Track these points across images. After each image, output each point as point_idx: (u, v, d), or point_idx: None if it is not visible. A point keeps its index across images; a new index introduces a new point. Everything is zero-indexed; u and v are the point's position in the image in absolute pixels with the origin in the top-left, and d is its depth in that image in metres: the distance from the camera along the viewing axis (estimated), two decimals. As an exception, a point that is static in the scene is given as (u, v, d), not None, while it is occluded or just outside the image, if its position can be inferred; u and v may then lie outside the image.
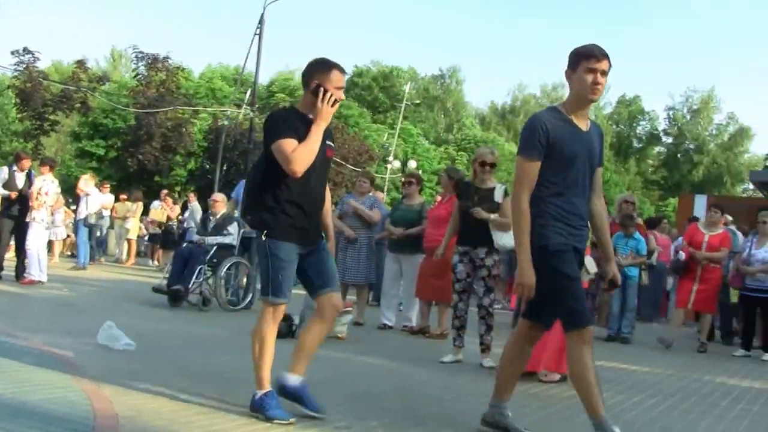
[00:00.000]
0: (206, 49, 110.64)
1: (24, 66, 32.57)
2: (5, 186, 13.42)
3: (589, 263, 5.99)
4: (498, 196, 8.47)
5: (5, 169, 13.78)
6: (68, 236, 22.23)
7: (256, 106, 31.18)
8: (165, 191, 25.32)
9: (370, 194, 12.00)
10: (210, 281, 11.97)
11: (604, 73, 4.79)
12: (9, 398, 4.98)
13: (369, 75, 72.01)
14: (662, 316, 16.42)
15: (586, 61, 4.77)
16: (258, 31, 27.84)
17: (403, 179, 12.97)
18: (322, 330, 5.28)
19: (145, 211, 24.10)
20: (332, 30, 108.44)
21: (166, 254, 20.74)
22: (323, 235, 5.52)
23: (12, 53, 32.43)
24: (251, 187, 5.37)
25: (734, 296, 12.59)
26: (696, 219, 15.20)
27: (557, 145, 4.76)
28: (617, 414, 5.86)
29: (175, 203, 24.17)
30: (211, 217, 12.68)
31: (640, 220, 13.84)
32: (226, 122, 33.53)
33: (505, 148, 64.61)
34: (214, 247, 12.04)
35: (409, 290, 11.24)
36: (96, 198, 19.34)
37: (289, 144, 5.00)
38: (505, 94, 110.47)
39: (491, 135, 68.76)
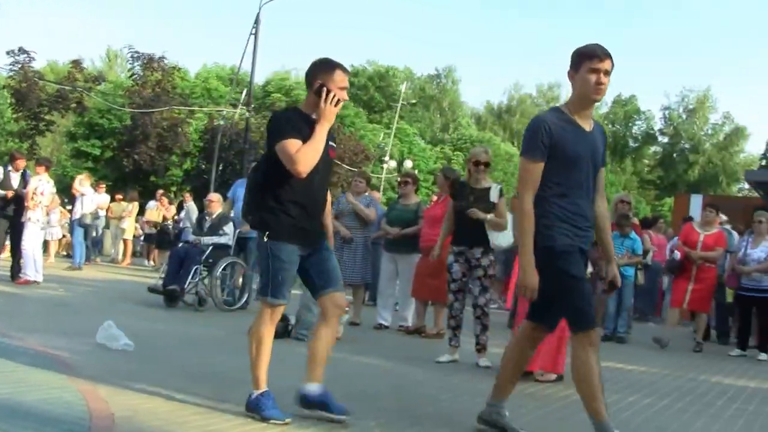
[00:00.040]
0: (202, 48, 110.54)
1: (19, 66, 32.53)
2: (0, 186, 13.39)
3: None
4: (494, 196, 8.47)
5: (0, 169, 13.76)
6: (64, 236, 22.19)
7: (252, 106, 31.20)
8: (161, 191, 25.27)
9: (366, 194, 12.00)
10: (206, 281, 11.95)
11: (607, 73, 4.78)
12: (4, 399, 4.97)
13: (365, 75, 71.92)
14: (657, 315, 16.43)
15: (589, 61, 4.76)
16: (254, 31, 27.81)
17: (399, 179, 12.98)
18: (329, 334, 5.25)
19: (141, 211, 24.08)
20: (328, 30, 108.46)
21: (162, 254, 20.73)
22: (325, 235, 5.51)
23: (7, 53, 32.43)
24: (253, 188, 5.35)
25: (730, 296, 12.62)
26: (690, 219, 15.23)
27: (561, 145, 4.74)
28: (613, 413, 5.84)
29: (170, 203, 24.13)
30: (206, 217, 12.66)
31: (635, 220, 13.87)
32: (221, 122, 33.48)
33: (501, 147, 64.77)
34: (210, 247, 12.03)
35: (405, 290, 11.25)
36: (92, 198, 19.32)
37: (293, 144, 4.98)
38: (501, 94, 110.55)
39: (487, 135, 68.80)
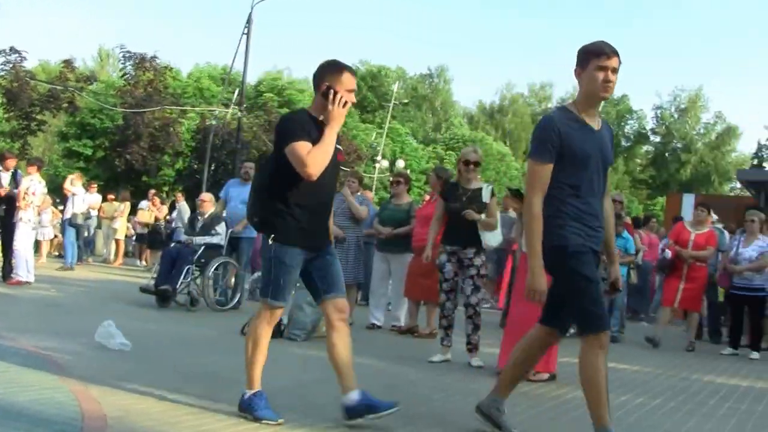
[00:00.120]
0: (194, 48, 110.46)
1: (11, 65, 32.46)
2: (-10, 185, 13.36)
3: None
4: (485, 196, 8.48)
5: (-11, 169, 13.72)
6: (56, 236, 22.15)
7: (244, 105, 31.18)
8: (153, 191, 25.25)
9: (359, 193, 12.01)
10: (198, 281, 11.94)
11: (615, 71, 4.74)
12: (-4, 399, 4.96)
13: (357, 74, 71.41)
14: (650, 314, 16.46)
15: (596, 58, 4.72)
16: (246, 31, 27.85)
17: (391, 179, 12.98)
18: (341, 338, 5.20)
19: (133, 211, 24.04)
20: (320, 29, 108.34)
21: (154, 254, 20.69)
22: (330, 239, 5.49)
23: (-1, 52, 32.36)
24: (259, 190, 5.30)
25: (721, 295, 12.65)
26: (680, 219, 15.25)
27: (570, 146, 4.70)
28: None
29: (162, 203, 24.10)
30: (199, 217, 12.64)
31: (628, 219, 13.89)
32: (214, 122, 33.49)
33: (493, 147, 64.82)
34: (202, 247, 12.01)
35: (397, 290, 11.25)
36: (83, 198, 19.27)
37: (303, 147, 4.94)
38: (494, 94, 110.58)
39: (479, 134, 68.82)
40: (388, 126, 52.58)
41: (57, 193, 25.60)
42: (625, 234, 12.08)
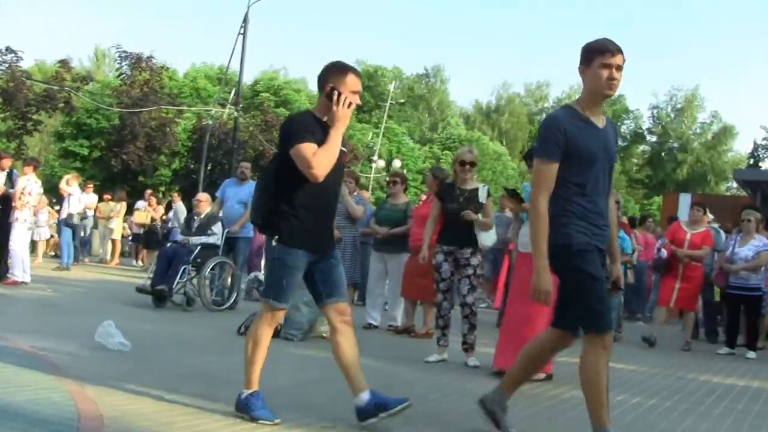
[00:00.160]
0: (190, 48, 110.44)
1: (7, 65, 32.38)
2: (-15, 186, 13.34)
3: None
4: (482, 196, 8.50)
5: (-16, 169, 13.70)
6: (52, 236, 22.13)
7: (241, 105, 31.17)
8: (149, 191, 25.23)
9: (355, 193, 12.01)
10: (194, 281, 11.93)
11: (620, 68, 4.70)
12: (-8, 400, 4.95)
13: (354, 74, 71.88)
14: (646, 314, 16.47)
15: (600, 56, 4.68)
16: (242, 31, 27.83)
17: (387, 178, 12.99)
18: (346, 339, 5.18)
19: (129, 211, 24.02)
20: (317, 29, 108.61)
21: (150, 254, 20.70)
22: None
23: (-6, 53, 32.28)
24: (263, 192, 5.26)
25: (718, 294, 12.66)
26: (675, 219, 15.27)
27: (576, 145, 4.66)
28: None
29: (159, 203, 24.09)
30: (195, 217, 12.63)
31: (624, 219, 13.90)
32: (210, 122, 33.44)
33: (490, 147, 64.86)
34: (199, 247, 12.00)
35: (394, 289, 11.25)
36: (79, 198, 19.25)
37: (309, 148, 4.92)
38: (490, 93, 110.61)
39: (476, 134, 68.84)
40: (385, 126, 52.63)
41: (53, 193, 25.61)
42: (622, 233, 12.07)
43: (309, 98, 53.30)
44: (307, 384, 6.58)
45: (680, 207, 22.30)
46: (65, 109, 34.18)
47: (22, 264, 13.34)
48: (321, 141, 4.99)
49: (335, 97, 5.03)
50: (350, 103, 5.08)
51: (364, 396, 5.07)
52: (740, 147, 79.08)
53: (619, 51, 4.71)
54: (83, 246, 21.93)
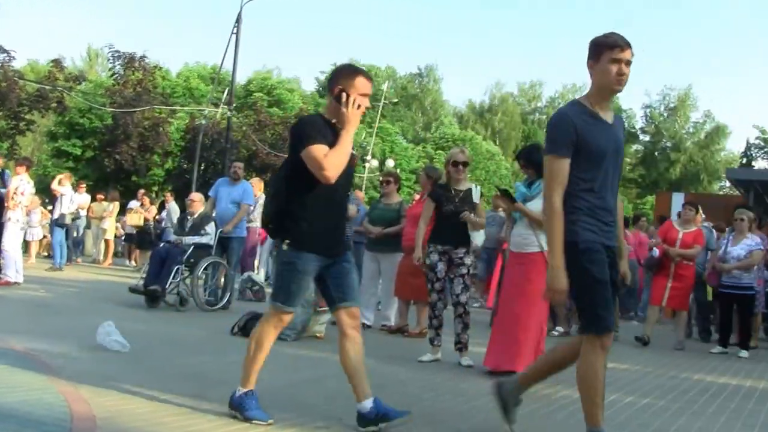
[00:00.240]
0: (183, 48, 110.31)
1: (-1, 65, 32.34)
2: (-23, 186, 13.31)
3: None
4: (476, 196, 8.55)
5: (-23, 169, 13.67)
6: (45, 237, 22.09)
7: (234, 105, 31.12)
8: (142, 191, 25.21)
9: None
10: (187, 281, 11.91)
11: (629, 63, 4.65)
12: (-15, 401, 4.94)
13: (347, 74, 71.79)
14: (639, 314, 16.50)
15: (609, 51, 4.63)
16: (235, 30, 27.78)
17: (381, 178, 12.98)
18: (354, 346, 5.15)
19: (122, 211, 23.98)
20: (310, 29, 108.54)
21: (143, 254, 20.67)
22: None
23: (-13, 52, 32.20)
24: (274, 195, 5.25)
25: (710, 294, 12.68)
26: (666, 218, 15.30)
27: (586, 141, 4.61)
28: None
29: (152, 203, 24.06)
30: (188, 217, 12.61)
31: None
32: (203, 121, 33.43)
33: (483, 146, 64.81)
34: (192, 247, 11.98)
35: (387, 289, 11.24)
36: (71, 198, 19.21)
37: (320, 150, 4.91)
38: (483, 93, 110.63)
39: (469, 133, 68.80)
40: (378, 125, 52.55)
41: (46, 194, 25.55)
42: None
43: (302, 98, 53.36)
44: (301, 384, 6.58)
45: (673, 206, 22.31)
46: (58, 108, 34.11)
47: (14, 264, 13.31)
48: (332, 143, 4.98)
49: (344, 99, 5.02)
50: (359, 105, 5.07)
51: (368, 403, 5.07)
52: (733, 146, 79.37)
53: (629, 46, 4.65)
54: (76, 246, 21.91)
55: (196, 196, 12.98)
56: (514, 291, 7.81)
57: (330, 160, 4.91)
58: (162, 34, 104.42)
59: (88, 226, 23.04)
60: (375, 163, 47.78)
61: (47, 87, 33.16)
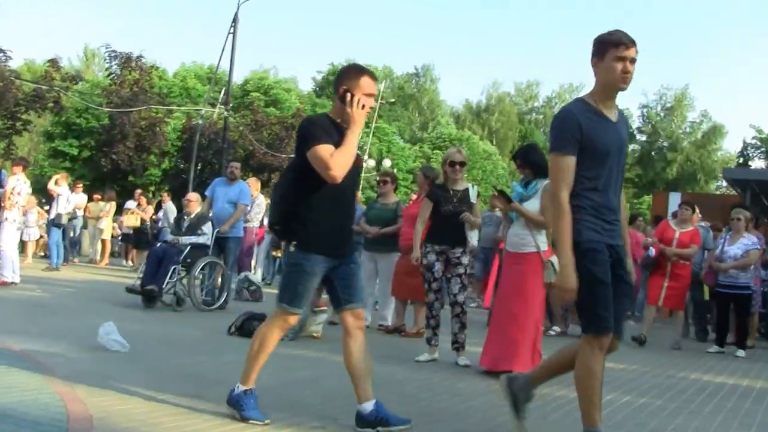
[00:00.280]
0: (180, 47, 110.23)
1: (-5, 65, 32.27)
2: (-25, 186, 13.30)
3: (556, 262, 5.95)
4: (473, 196, 8.57)
5: (-27, 169, 13.65)
6: (41, 237, 22.07)
7: (231, 105, 31.11)
8: (139, 191, 25.17)
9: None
10: (184, 281, 11.91)
11: (633, 61, 4.61)
12: (-19, 401, 4.93)
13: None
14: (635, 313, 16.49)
15: (614, 48, 4.59)
16: (232, 30, 27.80)
17: (378, 178, 12.97)
18: (357, 346, 5.16)
19: (119, 211, 23.96)
20: (307, 29, 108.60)
21: (140, 254, 20.66)
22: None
23: (-17, 52, 32.12)
24: (281, 196, 5.25)
25: (707, 293, 12.68)
26: (662, 218, 15.31)
27: (591, 138, 4.59)
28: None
29: (149, 203, 24.04)
30: (185, 217, 12.60)
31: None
32: (200, 121, 33.38)
33: (480, 146, 64.86)
34: (188, 247, 11.97)
35: (384, 289, 11.24)
36: (68, 198, 19.19)
37: (326, 149, 4.91)
38: (480, 93, 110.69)
39: (466, 133, 68.86)
40: (375, 125, 52.54)
41: (42, 194, 25.51)
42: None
43: (299, 98, 53.28)
44: (297, 383, 6.58)
45: (670, 206, 22.24)
46: (55, 108, 34.01)
47: (11, 264, 13.30)
48: (337, 143, 4.97)
49: (348, 99, 5.01)
50: (364, 105, 5.06)
51: (368, 405, 5.06)
52: (730, 146, 79.49)
53: (634, 44, 4.62)
54: (73, 246, 21.89)
55: (193, 196, 12.97)
56: (511, 291, 7.82)
57: (336, 160, 4.90)
58: (159, 34, 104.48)
59: (84, 226, 23.02)
60: (372, 162, 47.74)
61: (44, 87, 33.07)
